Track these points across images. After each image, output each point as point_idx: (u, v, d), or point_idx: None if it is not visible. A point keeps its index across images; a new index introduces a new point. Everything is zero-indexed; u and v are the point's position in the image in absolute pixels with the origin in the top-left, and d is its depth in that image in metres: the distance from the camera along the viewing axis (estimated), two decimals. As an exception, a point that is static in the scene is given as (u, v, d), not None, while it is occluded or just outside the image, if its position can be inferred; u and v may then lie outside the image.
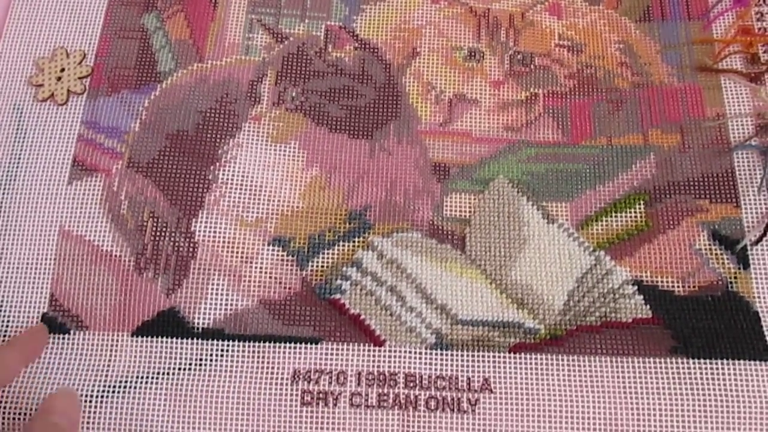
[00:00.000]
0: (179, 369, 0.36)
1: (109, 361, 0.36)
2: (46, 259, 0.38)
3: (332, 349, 0.36)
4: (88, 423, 0.34)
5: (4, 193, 0.40)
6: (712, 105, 0.42)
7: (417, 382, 0.35)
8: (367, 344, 0.36)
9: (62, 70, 0.43)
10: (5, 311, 0.37)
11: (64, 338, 0.36)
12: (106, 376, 0.35)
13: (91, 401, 0.35)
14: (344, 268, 0.38)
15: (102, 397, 0.35)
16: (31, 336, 0.36)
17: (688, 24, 0.44)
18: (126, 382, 0.35)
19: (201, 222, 0.39)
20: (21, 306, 0.37)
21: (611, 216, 0.39)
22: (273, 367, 0.36)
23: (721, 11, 0.44)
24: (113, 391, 0.35)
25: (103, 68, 0.43)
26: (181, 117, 0.42)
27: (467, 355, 0.36)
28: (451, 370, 0.36)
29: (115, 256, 0.38)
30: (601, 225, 0.39)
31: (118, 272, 0.38)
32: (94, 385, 0.35)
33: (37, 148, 0.41)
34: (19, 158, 0.41)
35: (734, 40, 0.43)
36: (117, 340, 0.36)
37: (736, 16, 0.44)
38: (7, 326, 0.37)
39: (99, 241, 0.39)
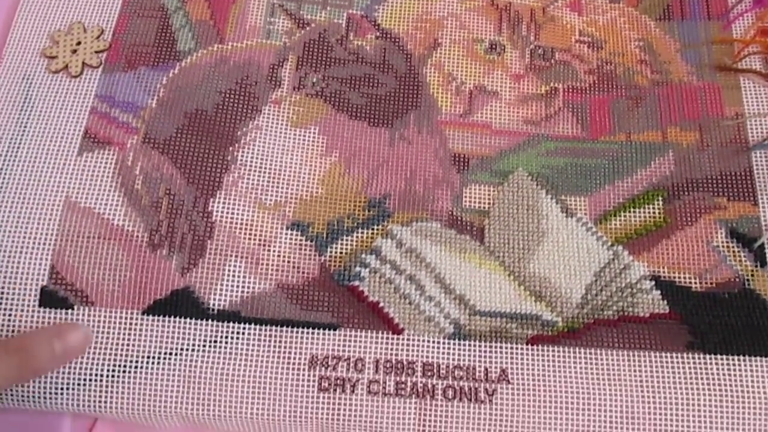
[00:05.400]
0: (192, 350, 0.35)
1: (118, 339, 0.35)
2: (48, 229, 0.37)
3: (350, 335, 0.36)
4: (97, 401, 0.33)
5: (6, 160, 0.39)
6: (731, 104, 0.42)
7: (434, 371, 0.35)
8: (385, 332, 0.36)
9: (78, 43, 0.42)
10: None
11: (66, 314, 0.35)
12: (115, 354, 0.34)
13: (98, 380, 0.34)
14: (363, 256, 0.37)
15: (110, 376, 0.34)
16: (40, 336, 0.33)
17: (707, 23, 0.45)
18: (137, 360, 0.34)
19: (219, 202, 0.38)
20: (16, 277, 0.36)
21: (630, 211, 0.39)
22: (290, 352, 0.35)
23: (741, 12, 0.45)
24: (122, 370, 0.34)
25: (120, 45, 0.43)
26: (200, 96, 0.41)
27: (485, 346, 0.36)
28: (469, 360, 0.35)
29: (127, 231, 0.37)
30: (620, 220, 0.39)
31: (129, 248, 0.37)
32: (101, 364, 0.34)
33: (46, 118, 0.40)
34: (26, 126, 0.39)
35: (754, 41, 0.43)
36: (127, 318, 0.35)
37: (756, 17, 0.45)
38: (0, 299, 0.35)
39: (109, 215, 0.37)
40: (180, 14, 0.44)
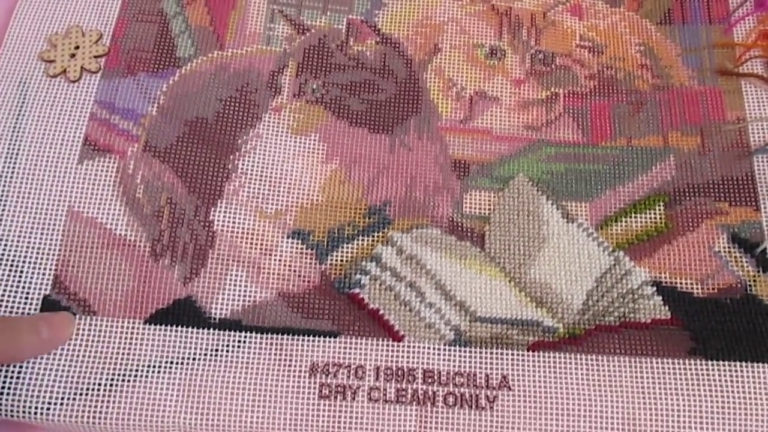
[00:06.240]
0: (193, 359, 0.35)
1: (119, 348, 0.35)
2: (51, 239, 0.37)
3: (351, 343, 0.36)
4: (95, 412, 0.34)
5: (5, 165, 0.39)
6: (733, 108, 0.42)
7: (435, 378, 0.35)
8: (385, 339, 0.36)
9: (77, 47, 0.42)
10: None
11: None
12: (116, 363, 0.34)
13: (99, 389, 0.34)
14: (363, 263, 0.37)
15: (111, 385, 0.34)
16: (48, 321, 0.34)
17: (709, 27, 0.45)
18: (137, 370, 0.34)
19: (220, 211, 0.38)
20: (19, 286, 0.36)
21: (631, 217, 0.39)
22: (291, 360, 0.35)
23: (743, 15, 0.44)
24: (124, 380, 0.34)
25: (119, 50, 0.43)
26: (201, 104, 0.41)
27: (486, 353, 0.36)
28: (470, 367, 0.35)
29: (130, 241, 0.37)
30: (621, 225, 0.39)
31: (132, 258, 0.37)
32: (102, 373, 0.34)
33: (44, 123, 0.40)
34: (23, 132, 0.39)
35: (755, 45, 0.43)
36: (129, 327, 0.35)
37: (757, 20, 0.44)
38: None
39: (112, 225, 0.38)
40: (179, 19, 0.44)
